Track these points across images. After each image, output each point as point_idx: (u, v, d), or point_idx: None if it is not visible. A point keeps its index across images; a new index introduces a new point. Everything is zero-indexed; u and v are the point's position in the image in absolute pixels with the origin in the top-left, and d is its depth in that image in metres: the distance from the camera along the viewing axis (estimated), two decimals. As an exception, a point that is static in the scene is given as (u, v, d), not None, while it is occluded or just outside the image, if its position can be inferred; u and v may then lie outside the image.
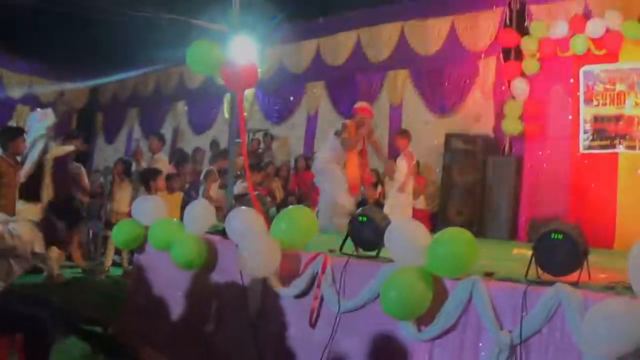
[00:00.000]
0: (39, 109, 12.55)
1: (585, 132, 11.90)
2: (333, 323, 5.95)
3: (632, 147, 11.50)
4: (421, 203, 12.97)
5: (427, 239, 5.40)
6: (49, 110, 11.95)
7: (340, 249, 6.45)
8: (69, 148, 11.84)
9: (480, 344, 5.00)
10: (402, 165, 11.20)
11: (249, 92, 17.10)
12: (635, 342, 4.04)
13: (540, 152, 12.27)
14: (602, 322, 4.11)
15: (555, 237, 5.01)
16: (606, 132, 11.74)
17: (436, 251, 5.20)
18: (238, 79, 8.25)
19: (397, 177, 11.12)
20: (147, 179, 11.87)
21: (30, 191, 10.77)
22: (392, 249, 5.59)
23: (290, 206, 7.68)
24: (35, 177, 10.96)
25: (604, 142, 11.77)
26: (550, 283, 4.76)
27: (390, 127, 14.80)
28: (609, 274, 5.71)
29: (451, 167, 12.83)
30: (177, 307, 7.58)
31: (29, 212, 9.51)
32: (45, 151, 11.10)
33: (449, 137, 13.30)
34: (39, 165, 11.02)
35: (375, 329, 5.66)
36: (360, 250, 6.30)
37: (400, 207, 10.92)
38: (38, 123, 11.35)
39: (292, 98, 16.98)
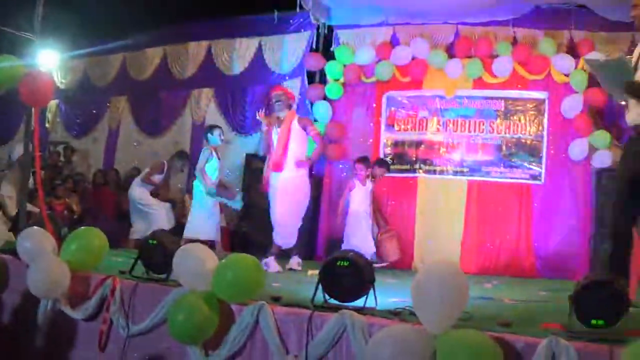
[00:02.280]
0: None
1: (385, 156, 12.12)
2: (122, 346, 5.86)
3: (432, 172, 11.89)
4: (222, 221, 12.93)
5: (214, 263, 5.37)
6: None
7: (130, 271, 6.38)
8: None
9: (267, 368, 5.01)
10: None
11: (52, 104, 16.66)
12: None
13: (340, 175, 12.39)
14: (385, 348, 4.16)
15: (341, 264, 5.07)
16: (407, 156, 12.08)
17: (222, 276, 5.21)
18: (34, 95, 8.05)
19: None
20: None
21: None
22: (180, 273, 5.56)
23: (82, 227, 7.44)
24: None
25: (404, 167, 12.08)
26: (337, 309, 4.81)
27: (192, 145, 14.65)
28: (399, 298, 5.79)
29: (251, 186, 12.77)
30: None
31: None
32: None
33: (249, 157, 13.46)
34: None
35: (164, 353, 5.63)
36: (151, 273, 6.24)
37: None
38: None
39: (95, 111, 16.53)
